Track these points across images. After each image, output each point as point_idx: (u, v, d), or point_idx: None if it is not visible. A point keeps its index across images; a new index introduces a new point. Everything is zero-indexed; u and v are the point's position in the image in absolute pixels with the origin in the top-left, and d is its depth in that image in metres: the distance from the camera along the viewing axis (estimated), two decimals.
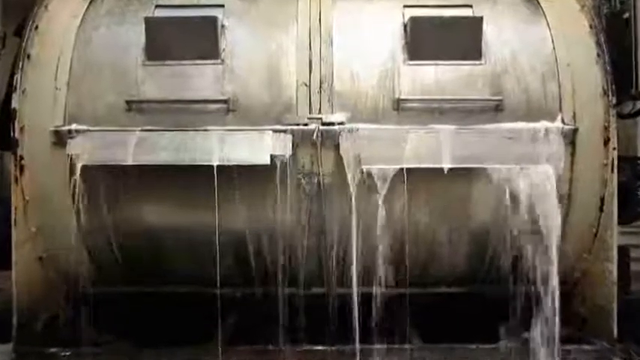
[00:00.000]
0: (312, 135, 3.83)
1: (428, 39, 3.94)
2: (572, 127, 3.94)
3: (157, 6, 4.13)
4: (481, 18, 3.96)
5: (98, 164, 3.78)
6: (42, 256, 4.07)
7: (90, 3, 4.19)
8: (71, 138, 3.86)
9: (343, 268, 3.97)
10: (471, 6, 4.13)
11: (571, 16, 4.14)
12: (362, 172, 3.74)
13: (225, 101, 3.90)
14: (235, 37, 4.05)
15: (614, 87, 3.98)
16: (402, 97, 3.92)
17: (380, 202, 3.76)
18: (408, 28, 3.98)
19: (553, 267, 3.78)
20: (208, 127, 3.83)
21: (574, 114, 3.95)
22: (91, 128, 3.87)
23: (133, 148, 3.74)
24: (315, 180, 3.90)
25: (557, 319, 3.77)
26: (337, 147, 3.84)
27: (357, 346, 3.75)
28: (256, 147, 3.75)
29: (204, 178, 3.67)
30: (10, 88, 4.05)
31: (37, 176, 3.97)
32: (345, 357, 3.84)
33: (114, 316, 4.04)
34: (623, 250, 4.45)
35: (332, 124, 3.86)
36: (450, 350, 3.98)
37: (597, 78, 4.00)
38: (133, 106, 3.92)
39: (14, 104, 3.98)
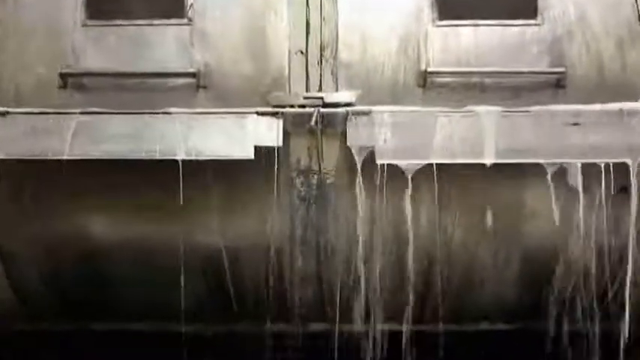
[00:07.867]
0: (311, 119, 3.33)
1: None
2: None
3: None
4: None
5: (23, 158, 3.27)
6: None
7: None
8: None
9: (350, 297, 3.49)
10: None
11: None
12: (376, 169, 3.26)
13: (193, 74, 3.41)
14: None
15: None
16: (430, 69, 3.41)
17: (402, 209, 3.30)
18: None
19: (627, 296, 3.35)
20: (171, 110, 3.31)
21: None
22: (12, 110, 3.34)
23: (71, 137, 3.27)
24: (314, 179, 3.42)
25: None
26: (343, 136, 3.32)
27: None
28: (235, 136, 3.27)
29: (166, 178, 3.24)
30: None
31: None
32: None
33: None
34: None
35: (336, 105, 3.36)
36: None
37: None
38: (70, 80, 3.43)
39: None
